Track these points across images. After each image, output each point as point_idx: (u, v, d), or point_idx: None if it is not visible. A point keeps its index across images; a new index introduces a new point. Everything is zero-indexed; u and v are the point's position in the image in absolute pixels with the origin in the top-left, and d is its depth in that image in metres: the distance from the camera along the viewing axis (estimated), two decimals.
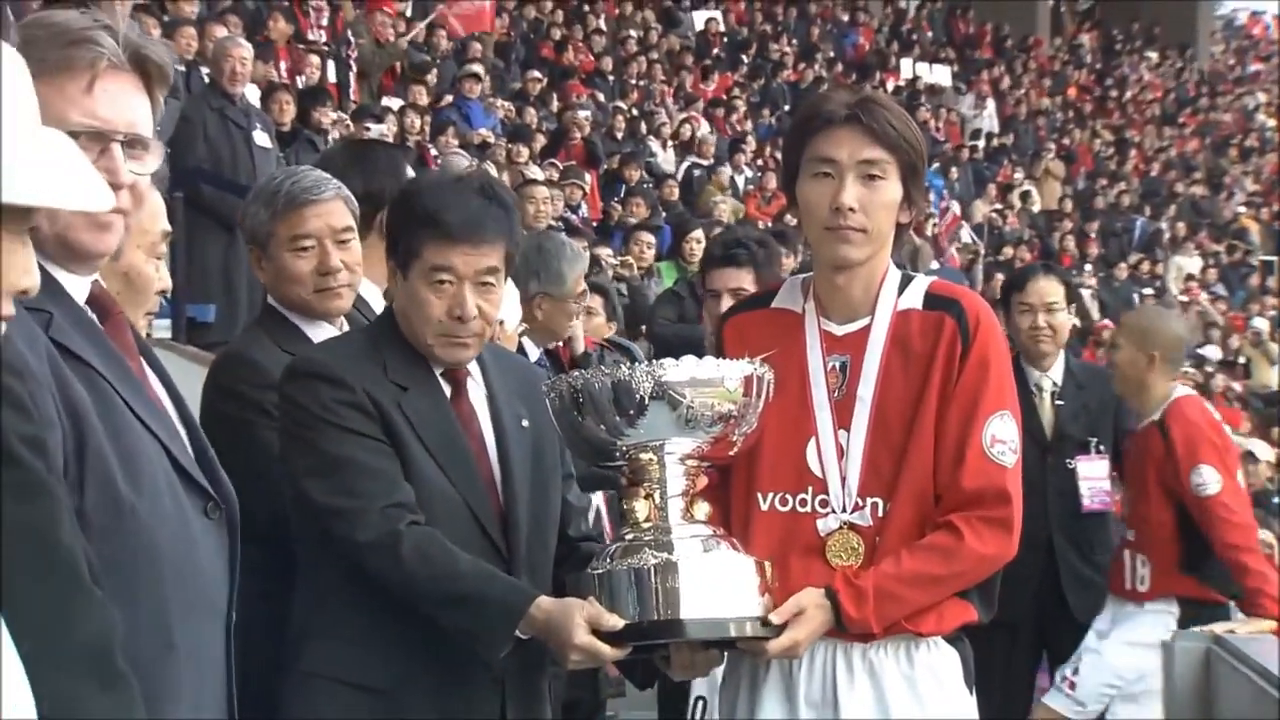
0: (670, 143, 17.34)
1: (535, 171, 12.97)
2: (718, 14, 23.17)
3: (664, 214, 14.52)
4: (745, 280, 4.67)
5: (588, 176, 14.23)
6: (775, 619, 2.83)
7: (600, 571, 2.85)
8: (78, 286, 2.22)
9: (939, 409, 2.93)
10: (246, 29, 12.60)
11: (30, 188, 1.50)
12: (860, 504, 2.95)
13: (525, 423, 3.09)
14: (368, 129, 11.63)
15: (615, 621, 2.77)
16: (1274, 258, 25.28)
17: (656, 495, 2.90)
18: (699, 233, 10.39)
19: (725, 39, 22.93)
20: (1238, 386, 19.33)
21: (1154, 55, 32.87)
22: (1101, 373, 6.03)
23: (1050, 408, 5.79)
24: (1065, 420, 5.75)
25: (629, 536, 2.89)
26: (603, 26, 20.10)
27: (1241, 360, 20.92)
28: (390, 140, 11.51)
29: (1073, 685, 5.49)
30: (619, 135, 16.55)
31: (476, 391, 3.09)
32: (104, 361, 2.16)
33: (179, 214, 8.21)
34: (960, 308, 2.97)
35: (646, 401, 2.82)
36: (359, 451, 2.90)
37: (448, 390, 3.04)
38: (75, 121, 2.18)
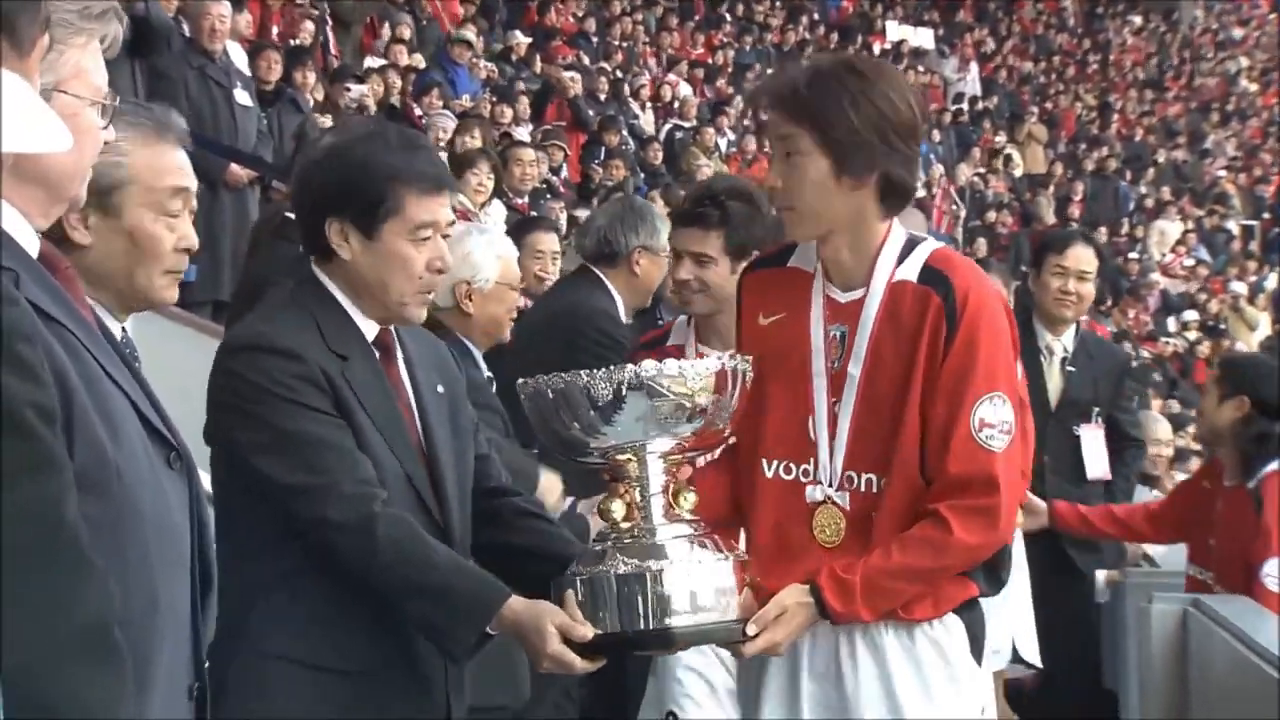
0: (650, 104, 17.30)
1: (522, 133, 12.93)
2: None
3: (644, 176, 14.51)
4: (712, 244, 4.15)
5: (568, 139, 14.20)
6: (752, 628, 2.79)
7: (583, 576, 2.79)
8: (31, 242, 2.15)
9: (925, 390, 2.85)
10: None
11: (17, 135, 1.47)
12: (850, 480, 2.90)
13: (440, 389, 3.05)
14: (348, 89, 11.56)
15: (585, 633, 2.72)
16: (1254, 222, 25.36)
17: (636, 494, 2.85)
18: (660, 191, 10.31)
19: (709, 2, 22.86)
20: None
21: (1137, 19, 32.84)
22: (1110, 345, 6.06)
23: (1059, 374, 5.83)
24: (1074, 387, 5.79)
25: (611, 538, 2.84)
26: None
27: (1221, 325, 21.01)
28: (372, 105, 11.46)
29: None
30: (602, 97, 16.50)
31: (398, 358, 3.04)
32: (70, 318, 2.12)
33: None
34: (949, 285, 2.86)
35: (619, 400, 2.76)
36: (316, 427, 2.82)
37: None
38: (105, 90, 2.20)
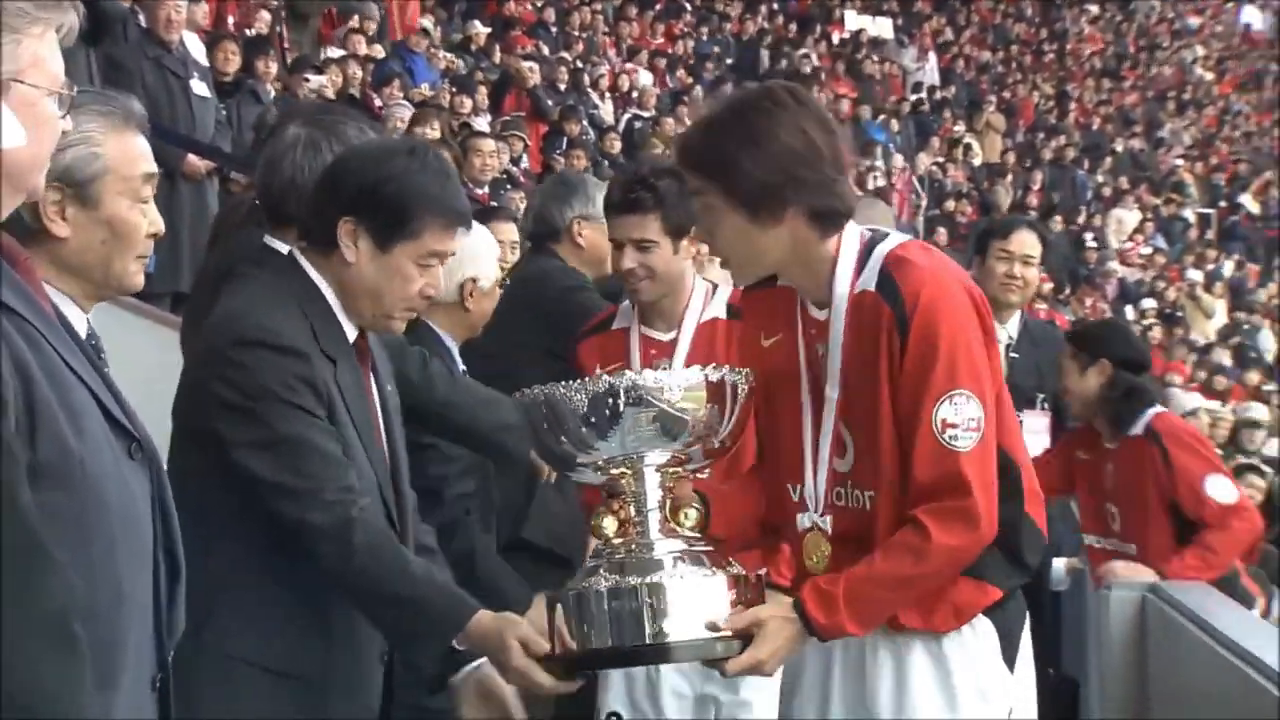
0: (609, 94, 17.30)
1: (481, 124, 12.90)
2: None
3: (606, 165, 14.50)
4: (651, 228, 4.10)
5: (527, 130, 14.17)
6: (726, 630, 2.72)
7: (572, 591, 2.75)
8: None
9: (892, 401, 2.78)
10: None
11: None
12: (839, 497, 2.85)
13: (390, 388, 3.10)
14: (307, 79, 11.51)
15: (543, 647, 2.73)
16: (1210, 210, 25.54)
17: (632, 509, 2.81)
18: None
19: None
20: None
21: (1094, 8, 33.01)
22: (1055, 331, 6.09)
23: (1004, 360, 5.85)
24: (1017, 374, 5.80)
25: (604, 553, 2.80)
26: None
27: (1179, 313, 21.15)
28: (331, 95, 11.41)
29: None
30: (561, 87, 16.48)
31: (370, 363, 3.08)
32: (30, 310, 2.10)
33: None
34: (896, 291, 2.76)
35: (603, 412, 2.73)
36: (309, 431, 2.84)
37: None
38: (63, 80, 2.16)
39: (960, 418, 2.76)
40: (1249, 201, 26.34)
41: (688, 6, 22.95)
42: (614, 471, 2.80)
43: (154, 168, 2.75)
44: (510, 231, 6.36)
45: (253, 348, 2.85)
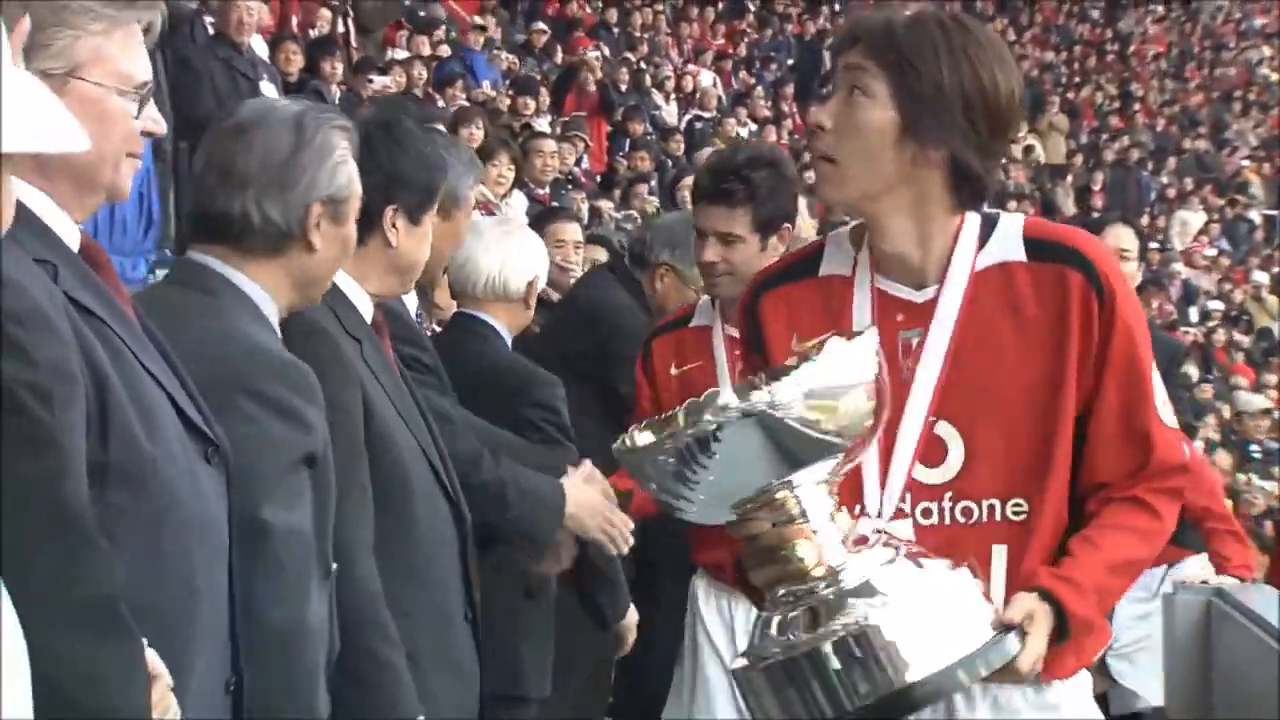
0: (673, 95, 17.34)
1: (542, 124, 12.97)
2: None
3: (672, 166, 14.54)
4: (738, 223, 3.90)
5: (590, 130, 14.22)
6: (1012, 619, 2.20)
7: (783, 658, 2.13)
8: (72, 236, 2.16)
9: (1081, 383, 2.35)
10: None
11: (26, 133, 1.43)
12: (923, 518, 2.37)
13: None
14: (370, 81, 11.63)
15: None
16: (1276, 212, 25.29)
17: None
18: (690, 179, 10.30)
19: None
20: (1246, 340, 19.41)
21: (1159, 8, 32.76)
22: (1162, 335, 6.08)
23: None
24: None
25: (799, 592, 2.15)
26: None
27: (1244, 315, 20.98)
28: (395, 93, 11.52)
29: None
30: (623, 87, 16.54)
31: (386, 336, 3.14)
32: (109, 312, 2.13)
33: (182, 163, 8.25)
34: (1083, 257, 2.36)
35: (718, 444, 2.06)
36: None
37: None
38: (139, 78, 2.18)
39: (1164, 392, 2.45)
40: None
41: (750, 7, 22.96)
42: (778, 497, 2.14)
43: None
44: (573, 231, 6.42)
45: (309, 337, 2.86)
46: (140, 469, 2.08)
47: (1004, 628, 2.19)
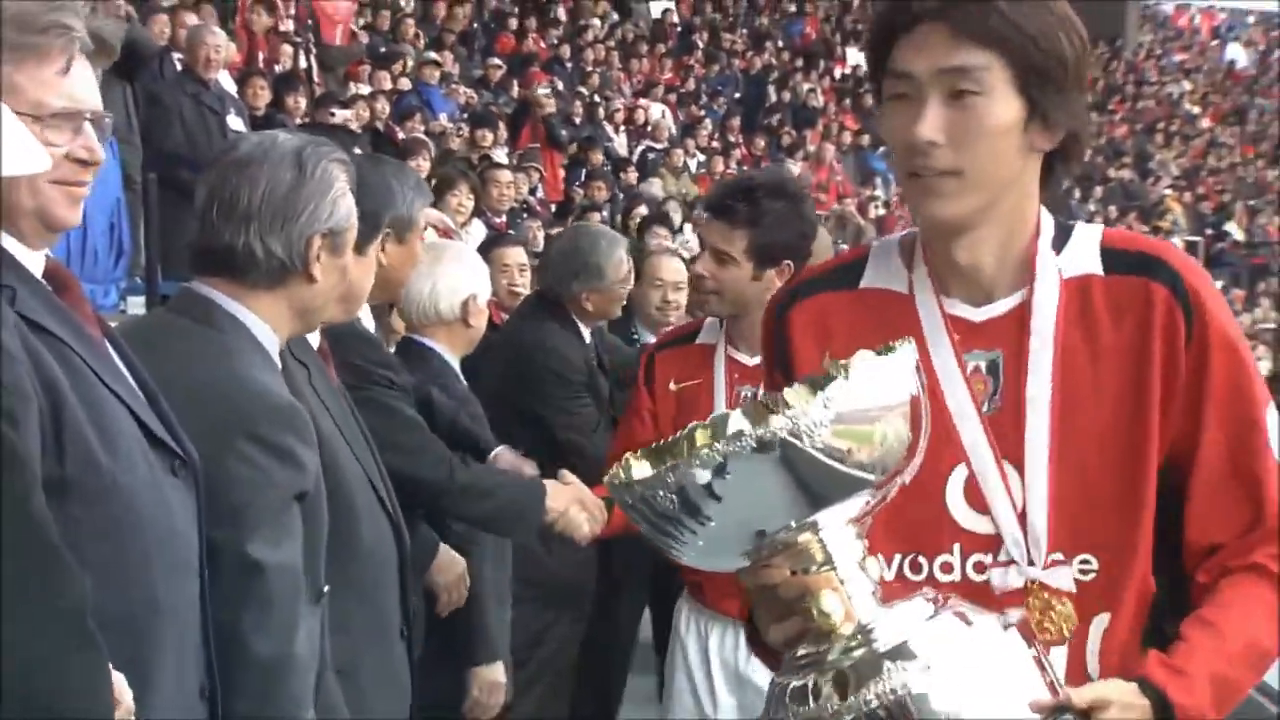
0: (623, 127, 17.83)
1: (500, 155, 13.35)
2: (671, 4, 23.69)
3: (623, 197, 15.01)
4: (734, 243, 3.81)
5: (544, 161, 14.67)
6: (1078, 701, 1.77)
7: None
8: (34, 262, 2.18)
9: (1168, 418, 2.00)
10: (220, 17, 13.01)
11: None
12: (975, 574, 2.03)
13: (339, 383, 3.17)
14: (332, 114, 11.98)
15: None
16: (1197, 239, 26.07)
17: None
18: (642, 208, 10.74)
19: (679, 29, 23.44)
20: None
21: None
22: None
23: None
24: None
25: (823, 652, 1.78)
26: (561, 17, 20.57)
27: None
28: (357, 129, 11.93)
29: None
30: (577, 120, 17.00)
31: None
32: (70, 333, 2.14)
33: (152, 194, 8.54)
34: (1169, 267, 2.02)
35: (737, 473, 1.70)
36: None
37: None
38: (54, 105, 2.16)
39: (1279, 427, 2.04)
40: (1234, 229, 27.00)
41: (699, 43, 23.50)
42: (799, 540, 1.78)
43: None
44: (518, 255, 6.57)
45: None
46: (99, 483, 2.10)
47: (1058, 708, 1.77)
